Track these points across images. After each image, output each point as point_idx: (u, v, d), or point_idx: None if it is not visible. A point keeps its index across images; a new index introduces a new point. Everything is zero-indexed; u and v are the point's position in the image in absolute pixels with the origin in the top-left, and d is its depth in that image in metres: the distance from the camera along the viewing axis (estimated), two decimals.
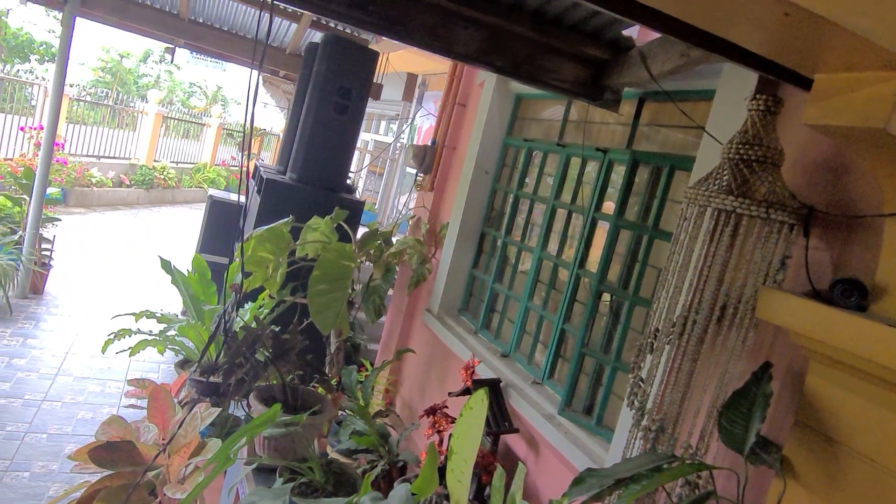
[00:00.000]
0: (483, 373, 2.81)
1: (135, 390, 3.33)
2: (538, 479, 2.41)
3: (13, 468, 3.41)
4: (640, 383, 1.67)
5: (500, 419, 2.51)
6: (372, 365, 4.24)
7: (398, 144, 9.00)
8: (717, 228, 1.50)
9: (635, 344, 1.73)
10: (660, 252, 2.20)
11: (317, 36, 5.88)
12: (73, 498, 2.44)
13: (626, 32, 2.20)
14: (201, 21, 6.47)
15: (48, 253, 6.23)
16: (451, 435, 1.73)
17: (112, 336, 3.79)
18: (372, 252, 3.55)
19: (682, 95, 2.17)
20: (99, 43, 25.97)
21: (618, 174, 2.50)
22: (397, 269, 3.87)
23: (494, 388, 2.60)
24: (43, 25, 23.01)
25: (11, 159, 7.78)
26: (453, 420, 2.59)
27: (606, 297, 2.41)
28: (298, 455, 2.05)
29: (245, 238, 3.30)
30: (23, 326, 5.32)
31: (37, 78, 10.51)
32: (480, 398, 1.76)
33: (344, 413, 3.27)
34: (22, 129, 8.96)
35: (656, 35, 2.00)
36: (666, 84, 2.07)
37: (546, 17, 2.10)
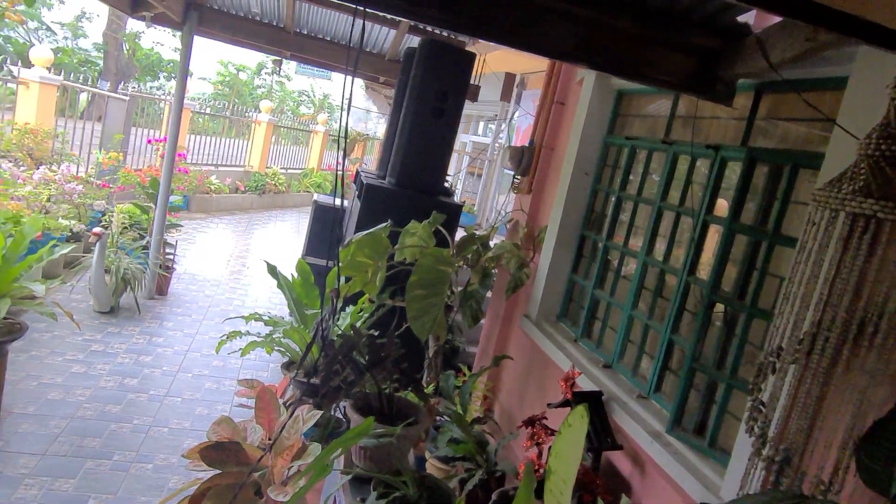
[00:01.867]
0: (584, 384, 2.69)
1: (244, 390, 3.48)
2: (644, 501, 2.26)
3: (139, 459, 3.67)
4: (761, 407, 1.50)
5: (602, 435, 2.38)
6: (470, 369, 4.20)
7: (496, 145, 8.94)
8: (853, 235, 1.32)
9: (754, 361, 1.57)
10: (781, 259, 1.99)
11: (415, 41, 5.93)
12: (188, 494, 2.57)
13: (740, 18, 2.02)
14: (305, 32, 6.71)
15: (171, 257, 6.70)
16: (549, 450, 1.64)
17: (224, 337, 3.99)
18: (469, 256, 3.51)
19: (807, 85, 1.96)
20: (218, 58, 27.82)
21: (732, 173, 2.30)
22: (495, 273, 3.80)
23: (596, 402, 2.48)
24: (169, 45, 24.97)
25: (141, 170, 8.46)
26: (552, 432, 2.49)
27: (719, 307, 2.22)
28: (393, 467, 2.03)
29: (345, 243, 3.36)
30: (149, 325, 5.75)
31: (164, 94, 11.39)
32: (580, 415, 1.66)
33: (442, 418, 3.25)
34: (149, 141, 9.72)
35: (776, 19, 1.81)
36: (787, 73, 1.87)
37: (649, 8, 1.96)
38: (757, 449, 1.47)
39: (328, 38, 6.84)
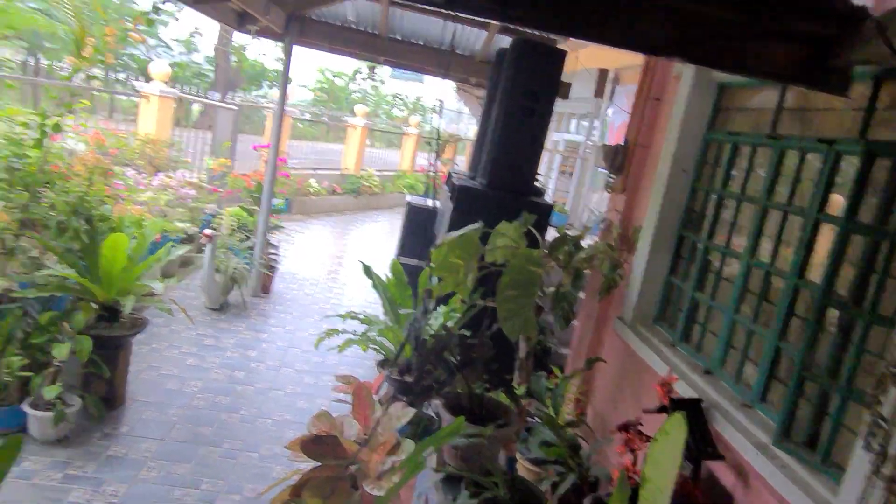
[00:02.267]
0: (682, 390, 2.59)
1: (341, 385, 3.62)
2: None
3: (246, 448, 3.90)
4: (882, 422, 1.39)
5: (701, 443, 2.28)
6: (562, 371, 4.14)
7: (589, 143, 8.75)
8: None
9: (873, 372, 1.45)
10: None
11: (506, 41, 5.92)
12: (290, 484, 2.70)
13: (857, 1, 1.87)
14: (398, 38, 6.87)
15: (274, 257, 7.06)
16: (645, 457, 1.60)
17: (323, 334, 4.16)
18: (561, 257, 3.46)
19: None
20: (316, 66, 28.95)
21: (847, 168, 2.14)
22: (588, 274, 3.73)
23: (695, 409, 2.38)
24: (273, 55, 26.25)
25: (247, 175, 8.96)
26: (648, 438, 2.41)
27: (833, 312, 2.07)
28: (484, 467, 2.05)
29: (438, 244, 3.41)
30: (255, 322, 6.09)
31: (267, 102, 12.02)
32: (678, 423, 1.61)
33: (533, 420, 3.23)
34: (254, 147, 10.27)
35: None
36: None
37: None
38: (876, 467, 1.36)
39: (420, 43, 6.96)
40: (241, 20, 6.14)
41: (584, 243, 3.65)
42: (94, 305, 3.82)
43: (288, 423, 4.28)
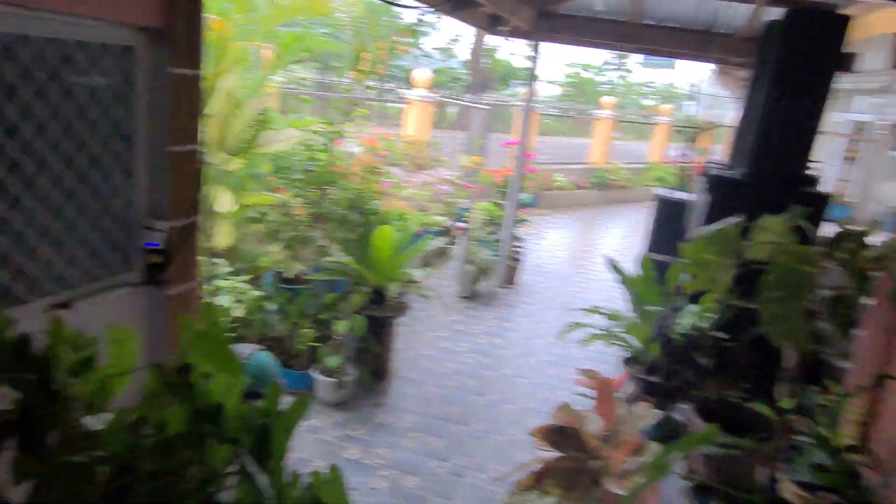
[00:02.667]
0: None
1: (584, 379, 3.61)
2: None
3: (492, 430, 4.11)
4: None
5: None
6: (840, 386, 3.60)
7: (881, 123, 7.41)
8: None
9: None
10: None
11: (773, 14, 5.30)
12: (532, 470, 2.79)
13: None
14: (649, 23, 6.56)
15: (520, 249, 7.30)
16: None
17: (567, 327, 4.19)
18: (841, 256, 3.01)
19: None
20: (563, 61, 29.03)
21: None
22: (877, 276, 3.18)
23: None
24: (521, 54, 26.99)
25: (496, 171, 9.39)
26: None
27: None
28: (740, 481, 1.88)
29: (690, 238, 3.21)
30: (501, 311, 6.37)
31: (516, 100, 12.42)
32: None
33: (800, 438, 2.87)
34: (503, 144, 10.70)
35: None
36: None
37: None
38: None
39: (674, 25, 6.57)
40: (493, 23, 6.43)
41: (873, 240, 3.13)
42: (366, 289, 4.36)
43: (530, 411, 4.40)
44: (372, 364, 4.39)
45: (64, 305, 2.15)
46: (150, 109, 2.24)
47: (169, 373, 1.06)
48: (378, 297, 4.40)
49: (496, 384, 4.77)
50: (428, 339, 5.41)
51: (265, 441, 1.15)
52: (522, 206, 7.67)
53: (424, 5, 4.60)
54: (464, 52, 26.40)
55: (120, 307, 2.28)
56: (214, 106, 3.36)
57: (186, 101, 2.30)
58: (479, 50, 23.82)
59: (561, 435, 2.66)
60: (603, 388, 3.04)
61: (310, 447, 3.66)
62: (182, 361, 1.09)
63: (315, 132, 4.31)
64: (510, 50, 27.28)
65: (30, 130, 1.87)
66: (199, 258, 3.49)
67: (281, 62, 4.63)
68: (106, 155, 2.14)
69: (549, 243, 9.44)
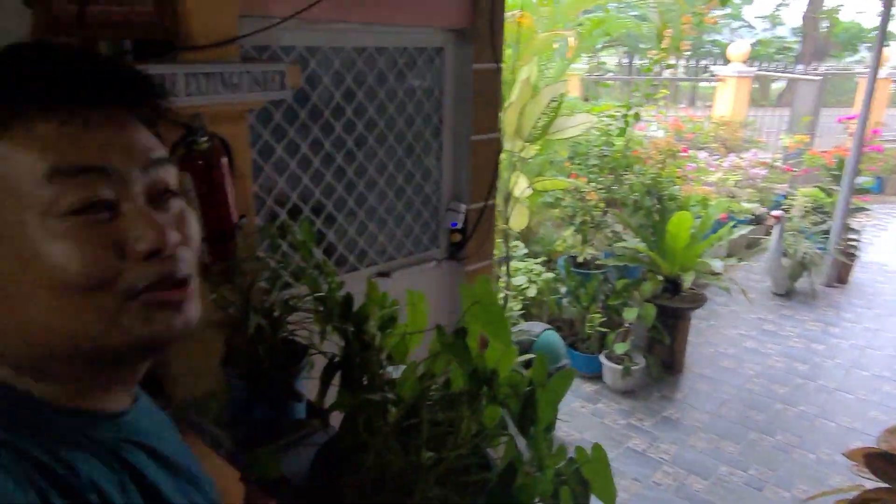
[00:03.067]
0: None
1: None
2: None
3: (801, 446, 3.62)
4: None
5: None
6: None
7: None
8: None
9: None
10: None
11: None
12: (846, 497, 2.40)
13: None
14: None
15: (855, 243, 6.17)
16: None
17: None
18: None
19: None
20: None
21: None
22: None
23: None
24: (873, 11, 22.51)
25: (827, 151, 8.07)
26: None
27: None
28: None
29: None
30: (825, 313, 5.50)
31: (864, 67, 10.46)
32: None
33: None
34: (839, 120, 9.13)
35: None
36: None
37: None
38: None
39: None
40: None
41: None
42: (660, 277, 4.19)
43: (853, 432, 3.75)
44: (663, 355, 4.22)
45: (385, 274, 2.54)
46: (456, 103, 2.50)
47: (447, 335, 1.19)
48: (672, 286, 4.19)
49: (811, 395, 4.16)
50: (729, 337, 4.97)
51: (529, 408, 1.23)
52: (861, 191, 6.47)
53: None
54: (794, 17, 23.12)
55: (427, 278, 2.61)
56: (513, 95, 3.57)
57: (487, 93, 2.50)
58: (815, 12, 20.59)
59: (887, 463, 2.22)
60: None
61: (593, 430, 3.69)
62: (460, 326, 1.23)
63: (612, 116, 4.27)
64: (858, 7, 22.94)
65: (362, 126, 2.25)
66: (497, 239, 3.77)
67: (583, 49, 4.68)
68: (419, 146, 2.46)
69: (894, 237, 7.81)
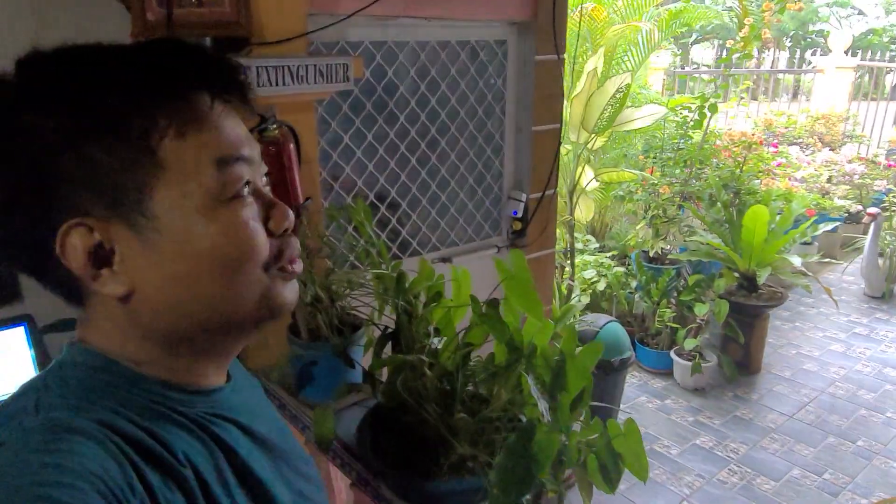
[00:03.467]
0: None
1: None
2: None
3: (885, 454, 3.43)
4: None
5: None
6: None
7: None
8: None
9: None
10: None
11: None
12: None
13: None
14: None
15: None
16: None
17: None
18: None
19: None
20: None
21: None
22: None
23: None
24: None
25: None
26: None
27: None
28: None
29: None
30: None
31: None
32: None
33: None
34: None
35: None
36: None
37: None
38: None
39: None
40: None
41: None
42: (735, 273, 4.06)
43: None
44: (736, 354, 4.09)
45: (447, 260, 2.65)
46: (518, 93, 2.56)
47: (481, 306, 1.28)
48: (748, 283, 4.05)
49: (874, 429, 3.71)
50: (813, 339, 4.73)
51: (559, 377, 1.30)
52: None
53: None
54: None
55: (488, 264, 2.69)
56: (578, 86, 3.57)
57: (549, 84, 2.55)
58: None
59: None
60: None
61: (658, 425, 3.65)
62: (494, 298, 1.31)
63: (687, 108, 4.17)
64: None
65: (425, 117, 2.36)
66: (562, 231, 3.79)
67: (662, 40, 4.59)
68: (481, 136, 2.54)
69: None
